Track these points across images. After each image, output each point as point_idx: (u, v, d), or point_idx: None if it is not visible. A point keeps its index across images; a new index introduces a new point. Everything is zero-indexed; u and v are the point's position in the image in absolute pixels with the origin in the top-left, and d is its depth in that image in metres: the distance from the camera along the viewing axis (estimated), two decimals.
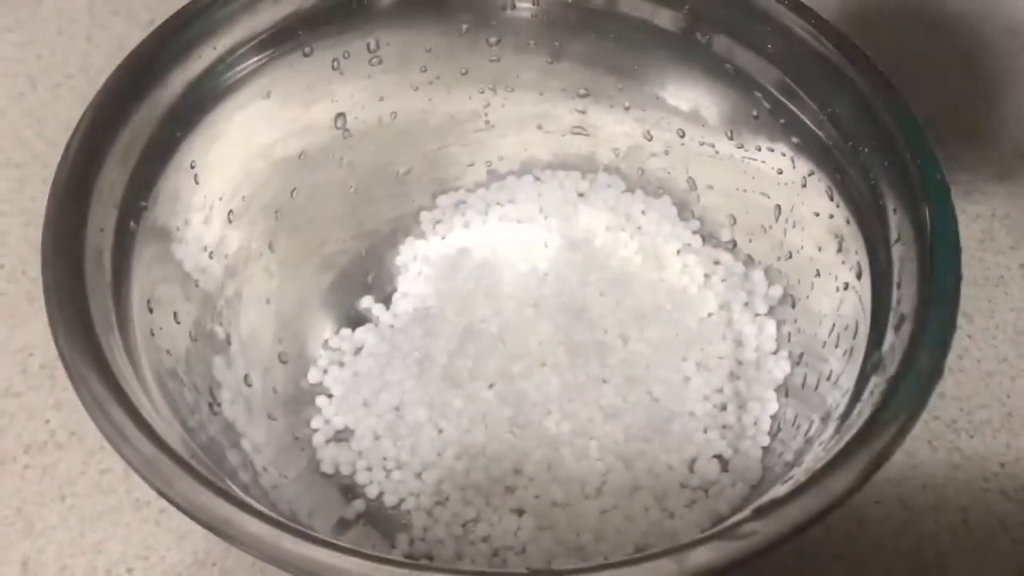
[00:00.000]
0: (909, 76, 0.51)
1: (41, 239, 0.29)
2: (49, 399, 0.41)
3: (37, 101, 0.51)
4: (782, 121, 0.37)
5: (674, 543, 0.33)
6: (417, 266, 0.43)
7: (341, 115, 0.40)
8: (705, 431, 0.38)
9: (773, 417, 0.38)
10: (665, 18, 0.38)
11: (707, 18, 0.37)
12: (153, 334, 0.32)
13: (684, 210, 0.43)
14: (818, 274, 0.37)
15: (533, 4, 0.39)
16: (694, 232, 0.42)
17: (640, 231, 0.42)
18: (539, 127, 0.43)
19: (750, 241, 0.41)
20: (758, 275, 0.40)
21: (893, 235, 0.32)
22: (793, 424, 0.36)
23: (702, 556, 0.24)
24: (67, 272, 0.29)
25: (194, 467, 0.26)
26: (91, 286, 0.29)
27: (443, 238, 0.44)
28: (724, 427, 0.38)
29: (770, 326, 0.40)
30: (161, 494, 0.25)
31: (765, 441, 0.37)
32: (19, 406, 0.41)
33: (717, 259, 0.42)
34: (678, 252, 0.42)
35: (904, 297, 0.30)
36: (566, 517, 0.36)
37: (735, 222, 0.41)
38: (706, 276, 0.41)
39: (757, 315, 0.40)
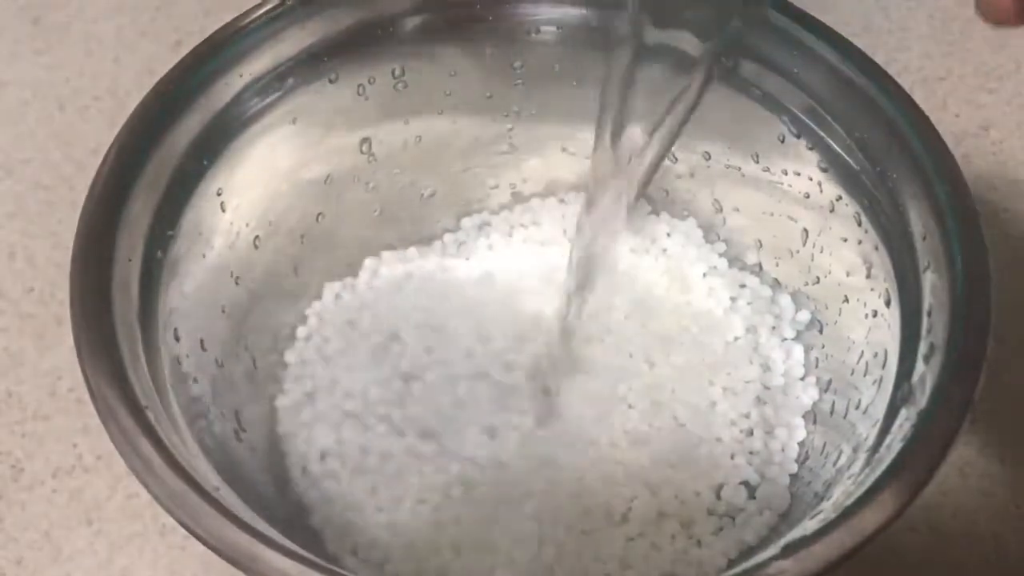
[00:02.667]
0: (937, 94, 0.51)
1: (69, 271, 0.30)
2: (77, 423, 0.41)
3: (65, 123, 0.51)
4: (809, 146, 0.36)
5: (700, 573, 0.33)
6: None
7: (366, 139, 0.40)
8: (732, 457, 0.38)
9: (801, 444, 0.38)
10: (691, 43, 0.38)
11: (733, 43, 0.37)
12: (180, 362, 0.32)
13: (710, 232, 0.43)
14: (846, 300, 0.36)
15: (557, 28, 0.39)
16: (720, 255, 0.42)
17: (665, 254, 0.42)
18: (563, 149, 0.43)
19: (777, 265, 0.41)
20: (785, 299, 0.40)
21: (923, 263, 0.31)
22: (822, 453, 0.36)
23: None
24: (94, 303, 0.29)
25: (219, 501, 0.26)
26: (118, 316, 0.29)
27: (467, 260, 0.44)
28: (751, 453, 0.38)
29: (798, 351, 0.39)
30: (187, 528, 0.25)
31: (793, 468, 0.37)
32: (47, 430, 0.41)
33: (743, 282, 0.41)
34: (704, 275, 0.42)
35: (934, 326, 0.30)
36: (592, 544, 0.36)
37: (761, 245, 0.41)
38: (732, 299, 0.41)
39: (784, 340, 0.40)
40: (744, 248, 0.42)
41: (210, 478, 0.27)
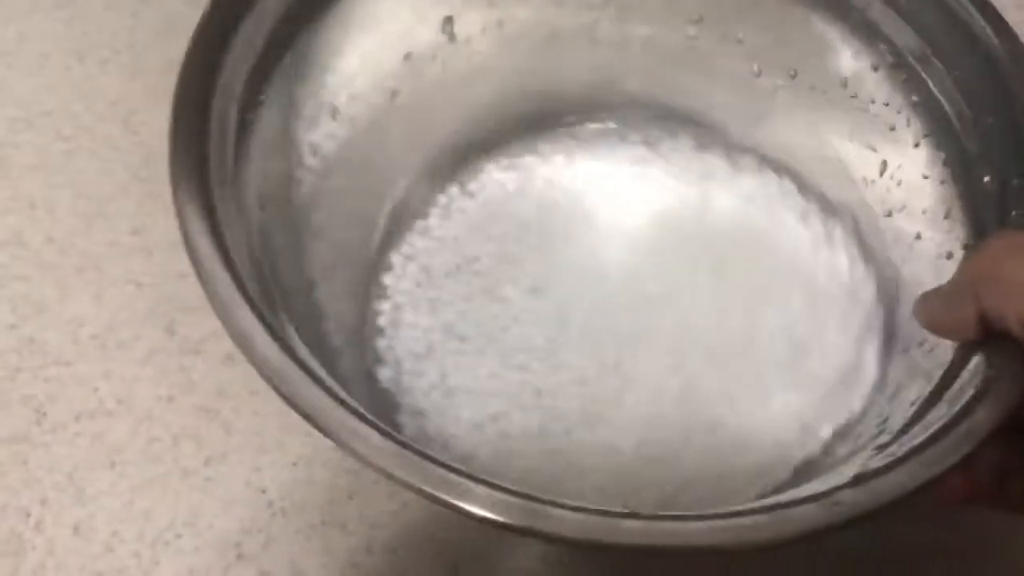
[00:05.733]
0: None
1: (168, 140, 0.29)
2: (98, 368, 0.40)
3: (84, 76, 0.50)
4: (904, 78, 0.35)
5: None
6: None
7: (449, 19, 0.38)
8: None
9: None
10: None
11: None
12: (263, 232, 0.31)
13: (779, 158, 0.41)
14: (919, 237, 0.35)
15: None
16: (793, 188, 0.40)
17: (742, 196, 0.41)
18: (642, 49, 0.41)
19: (847, 191, 0.39)
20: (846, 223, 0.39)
21: (1007, 209, 0.31)
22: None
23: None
24: (194, 167, 0.28)
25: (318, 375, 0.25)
26: (214, 180, 0.28)
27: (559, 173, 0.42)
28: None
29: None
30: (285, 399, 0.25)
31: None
32: (70, 375, 0.40)
33: (806, 210, 0.40)
34: (784, 211, 0.40)
35: None
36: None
37: (836, 170, 0.39)
38: (805, 226, 0.40)
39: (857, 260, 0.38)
40: (818, 175, 0.40)
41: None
